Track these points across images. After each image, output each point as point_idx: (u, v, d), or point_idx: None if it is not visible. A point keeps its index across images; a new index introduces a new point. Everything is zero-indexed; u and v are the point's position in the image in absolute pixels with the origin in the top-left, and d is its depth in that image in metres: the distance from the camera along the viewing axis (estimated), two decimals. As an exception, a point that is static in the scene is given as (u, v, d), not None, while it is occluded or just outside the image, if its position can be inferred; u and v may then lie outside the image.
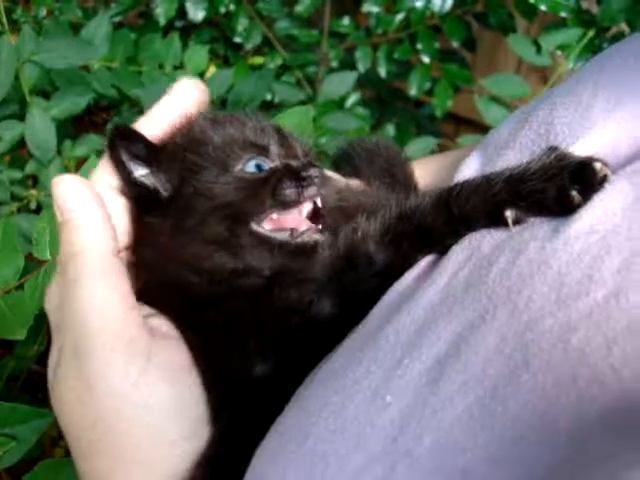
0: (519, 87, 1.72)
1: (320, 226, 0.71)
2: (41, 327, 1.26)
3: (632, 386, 0.41)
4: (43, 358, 1.40)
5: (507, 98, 1.76)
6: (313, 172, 0.70)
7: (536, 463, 0.41)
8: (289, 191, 0.69)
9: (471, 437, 0.45)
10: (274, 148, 0.73)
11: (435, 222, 0.65)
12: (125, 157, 0.69)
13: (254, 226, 0.68)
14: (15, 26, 1.95)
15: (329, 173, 0.90)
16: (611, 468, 0.36)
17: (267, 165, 0.71)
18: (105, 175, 0.70)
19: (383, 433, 0.49)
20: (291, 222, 0.70)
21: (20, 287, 1.06)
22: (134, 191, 0.70)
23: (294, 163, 0.72)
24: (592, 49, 1.69)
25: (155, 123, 0.72)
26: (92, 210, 0.66)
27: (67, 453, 1.51)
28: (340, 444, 0.50)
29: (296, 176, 0.70)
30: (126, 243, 0.71)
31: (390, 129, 2.17)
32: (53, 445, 1.63)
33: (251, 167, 0.71)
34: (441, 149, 2.22)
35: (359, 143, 1.12)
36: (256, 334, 0.67)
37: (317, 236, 0.69)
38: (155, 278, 0.70)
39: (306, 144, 0.80)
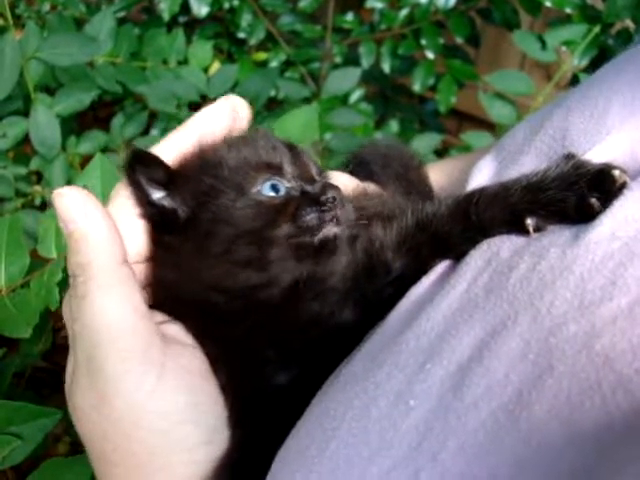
0: (523, 84, 1.72)
1: (340, 213, 0.70)
2: (46, 325, 1.26)
3: None
4: (48, 355, 1.40)
5: (511, 95, 1.76)
6: (331, 194, 0.70)
7: (562, 468, 0.41)
8: (310, 217, 0.68)
9: (496, 442, 0.45)
10: (287, 167, 0.73)
11: (453, 230, 0.65)
12: (143, 181, 0.69)
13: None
14: (18, 21, 1.96)
15: (344, 176, 0.89)
16: (633, 473, 0.36)
17: (283, 186, 0.71)
18: (125, 201, 0.70)
19: (407, 437, 0.49)
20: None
21: (25, 285, 1.06)
22: (152, 212, 0.69)
23: (310, 188, 0.72)
24: (597, 45, 1.69)
25: (177, 144, 0.72)
26: (95, 220, 0.65)
27: (71, 450, 1.51)
28: (363, 448, 0.50)
29: (315, 201, 0.69)
30: (140, 260, 0.70)
31: (394, 125, 2.17)
32: (56, 442, 1.63)
33: (267, 189, 0.70)
34: (444, 145, 2.22)
35: (373, 147, 1.12)
36: (276, 345, 0.67)
37: (335, 229, 0.69)
38: (173, 295, 0.70)
39: (316, 160, 0.79)
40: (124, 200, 0.69)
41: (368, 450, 0.50)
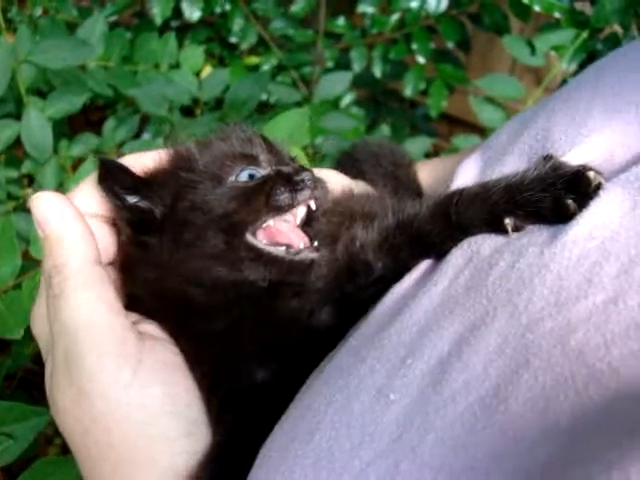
0: (514, 88, 1.73)
1: (316, 243, 0.71)
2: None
3: (629, 384, 0.42)
4: (39, 357, 1.40)
5: (502, 99, 1.77)
6: (305, 176, 0.71)
7: (538, 459, 0.42)
8: (283, 196, 0.69)
9: (473, 434, 0.46)
10: (263, 156, 0.74)
11: (433, 230, 0.67)
12: (116, 188, 0.70)
13: (249, 237, 0.68)
14: (10, 25, 1.96)
15: (334, 174, 0.90)
16: (606, 462, 0.37)
17: (259, 173, 0.72)
18: (85, 199, 0.71)
19: (387, 430, 0.50)
20: (286, 237, 0.70)
21: (17, 287, 1.06)
22: (129, 216, 0.71)
23: (285, 169, 0.73)
24: (586, 50, 1.70)
25: (145, 157, 0.74)
26: (71, 223, 0.67)
27: (62, 451, 1.51)
28: (345, 440, 0.51)
29: (289, 180, 0.70)
30: (109, 259, 0.72)
31: (385, 129, 2.18)
32: (47, 443, 1.63)
33: (244, 177, 0.71)
34: (435, 149, 2.23)
35: (363, 145, 1.13)
36: (257, 343, 0.68)
37: (313, 255, 0.70)
38: (151, 293, 0.70)
39: (289, 152, 0.81)
40: (86, 199, 0.71)
41: (350, 443, 0.51)
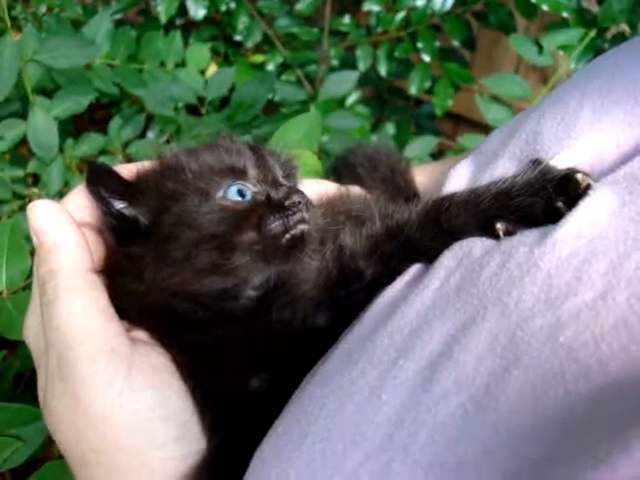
0: (520, 87, 1.73)
1: (307, 215, 0.70)
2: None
3: (617, 378, 0.43)
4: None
5: (507, 98, 1.77)
6: (296, 198, 0.70)
7: (528, 455, 0.42)
8: (275, 224, 0.68)
9: (465, 432, 0.46)
10: (252, 170, 0.73)
11: (424, 237, 0.68)
12: (104, 193, 0.70)
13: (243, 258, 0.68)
14: (14, 23, 1.95)
15: (323, 183, 0.89)
16: (592, 456, 0.37)
17: (248, 190, 0.71)
18: (76, 207, 0.71)
19: (380, 430, 0.51)
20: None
21: (27, 288, 1.06)
22: (114, 223, 0.70)
23: (275, 193, 0.71)
24: (593, 49, 1.70)
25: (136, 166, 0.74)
26: (66, 230, 0.67)
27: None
28: (338, 441, 0.52)
29: (279, 207, 0.69)
30: (97, 268, 0.71)
31: (390, 128, 2.18)
32: (50, 443, 1.63)
33: (233, 193, 0.70)
34: (440, 148, 2.23)
35: (360, 150, 1.13)
36: (249, 354, 0.68)
37: (303, 226, 0.69)
38: (141, 305, 0.70)
39: (286, 159, 0.80)
40: (76, 206, 0.71)
41: (342, 444, 0.52)
